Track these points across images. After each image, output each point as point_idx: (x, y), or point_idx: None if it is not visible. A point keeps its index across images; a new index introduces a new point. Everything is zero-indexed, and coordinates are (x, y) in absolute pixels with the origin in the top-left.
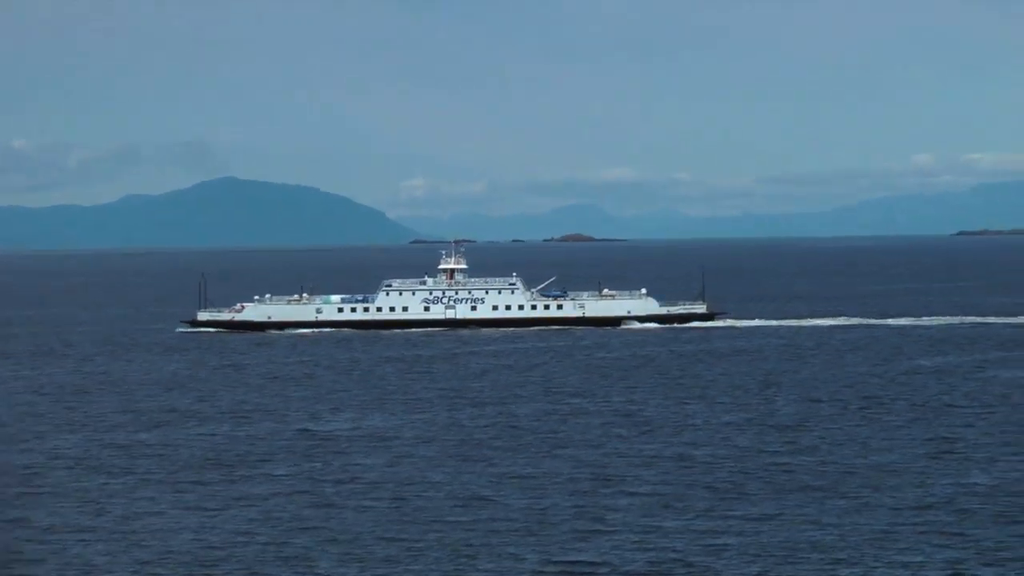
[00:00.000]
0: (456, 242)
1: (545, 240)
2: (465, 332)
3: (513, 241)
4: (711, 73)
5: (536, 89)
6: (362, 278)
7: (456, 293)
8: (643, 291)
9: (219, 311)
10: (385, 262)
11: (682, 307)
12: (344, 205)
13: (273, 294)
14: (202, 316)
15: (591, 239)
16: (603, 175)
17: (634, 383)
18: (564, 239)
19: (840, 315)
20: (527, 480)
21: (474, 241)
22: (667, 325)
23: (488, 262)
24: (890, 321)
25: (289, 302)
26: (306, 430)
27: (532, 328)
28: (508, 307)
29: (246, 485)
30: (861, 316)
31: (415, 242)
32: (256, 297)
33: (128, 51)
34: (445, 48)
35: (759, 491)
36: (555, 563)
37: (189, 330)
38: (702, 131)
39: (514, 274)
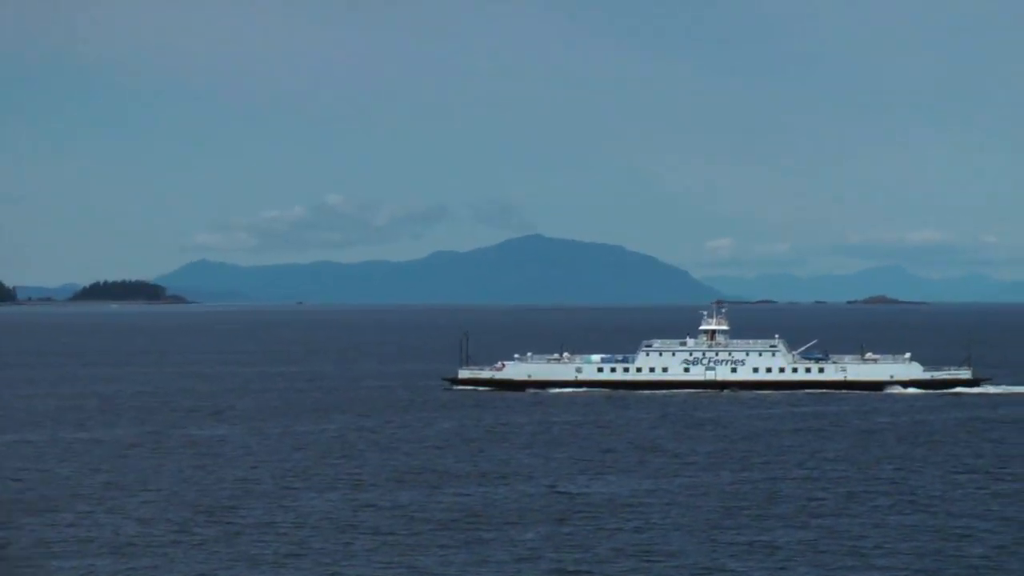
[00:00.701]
0: (718, 303)
1: (849, 302)
2: (726, 393)
3: (816, 303)
4: (1017, 131)
5: (844, 149)
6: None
7: (716, 354)
8: (907, 355)
9: (480, 369)
10: (679, 323)
11: (946, 372)
12: (649, 264)
13: (534, 352)
14: (463, 374)
15: (895, 301)
16: (910, 237)
17: (894, 452)
18: (867, 301)
19: None
20: (772, 551)
21: (775, 302)
22: (930, 391)
23: (784, 324)
24: None
25: (549, 361)
26: (560, 491)
27: (792, 391)
28: (769, 369)
29: (488, 548)
30: None
31: (716, 302)
32: (516, 355)
33: (436, 109)
34: (752, 107)
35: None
36: None
37: (451, 387)
38: (1011, 192)
39: (777, 336)
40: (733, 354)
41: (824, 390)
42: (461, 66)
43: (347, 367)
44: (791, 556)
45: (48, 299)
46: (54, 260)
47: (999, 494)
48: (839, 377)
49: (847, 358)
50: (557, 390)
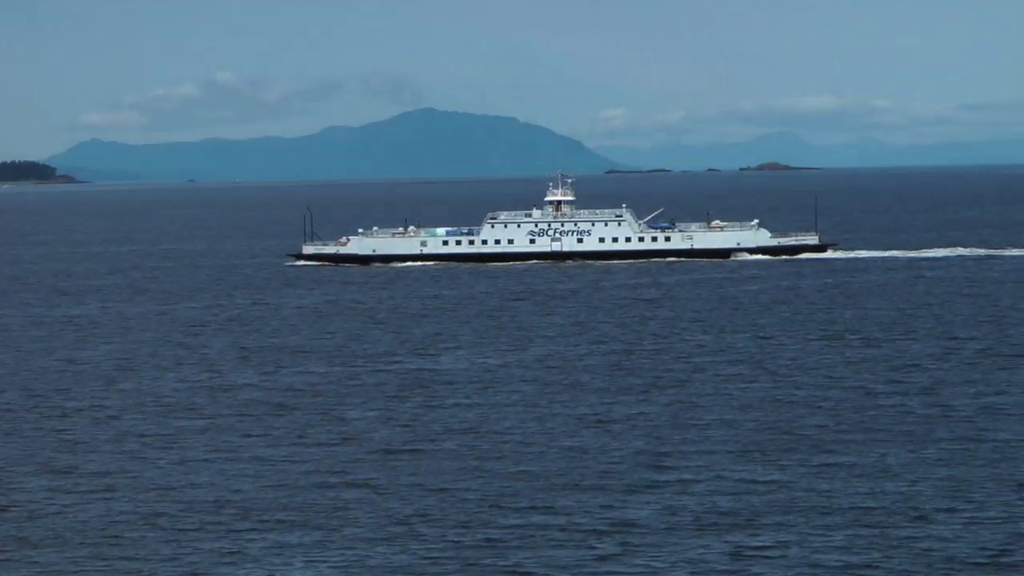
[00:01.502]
0: (563, 174)
1: (741, 169)
2: (570, 264)
3: (708, 170)
4: None
5: (735, 15)
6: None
7: (562, 225)
8: (755, 222)
9: (324, 244)
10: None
11: (793, 238)
12: (542, 135)
13: (379, 227)
14: (307, 250)
15: (788, 167)
16: (802, 103)
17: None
18: (760, 168)
19: (956, 245)
20: (605, 424)
21: (668, 171)
22: (777, 257)
23: (678, 194)
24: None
25: (394, 235)
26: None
27: (638, 260)
28: (615, 239)
29: (316, 429)
30: (978, 246)
31: (610, 172)
32: (360, 230)
33: None
34: None
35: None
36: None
37: (296, 263)
38: (903, 56)
39: (624, 206)
40: (579, 225)
41: (671, 259)
42: None
43: (194, 245)
44: (625, 430)
45: None
46: None
47: (848, 360)
48: (685, 246)
49: (694, 226)
50: (402, 264)
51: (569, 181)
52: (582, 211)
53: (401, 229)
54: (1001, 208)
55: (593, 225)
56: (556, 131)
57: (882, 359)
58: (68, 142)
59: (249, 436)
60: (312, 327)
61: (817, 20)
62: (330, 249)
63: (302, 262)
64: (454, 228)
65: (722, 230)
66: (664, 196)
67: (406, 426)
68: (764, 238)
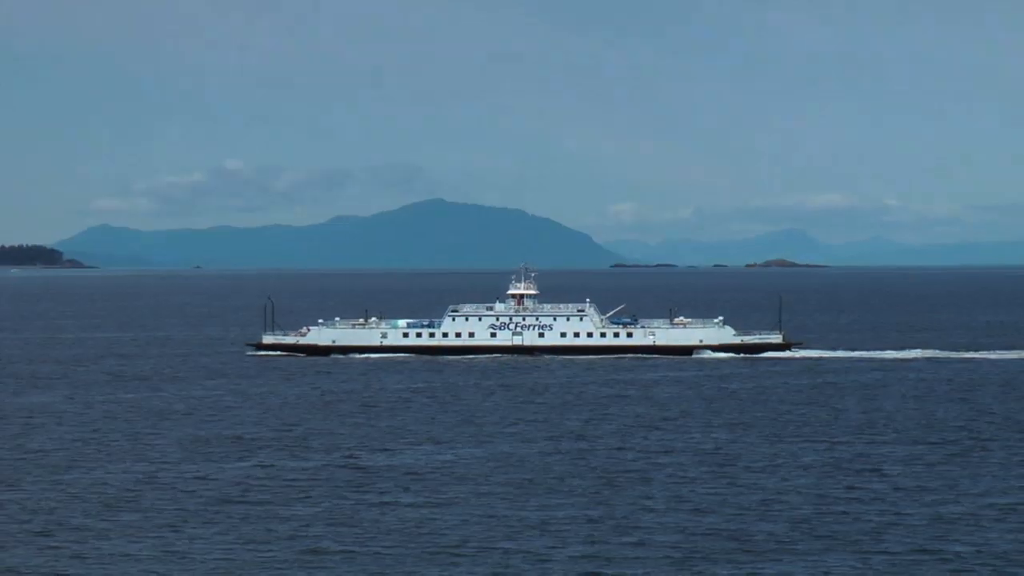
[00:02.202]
0: (526, 267)
1: (747, 265)
2: (529, 359)
3: (715, 266)
4: (921, 96)
5: (746, 115)
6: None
7: (524, 319)
8: (719, 319)
9: (284, 334)
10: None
11: (757, 336)
12: (551, 228)
13: (341, 317)
14: (267, 339)
15: (794, 264)
16: (813, 201)
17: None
18: (767, 264)
19: (929, 347)
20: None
21: (674, 266)
22: (740, 355)
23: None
24: (987, 355)
25: (354, 326)
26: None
27: (600, 356)
28: (577, 334)
29: (252, 526)
30: (950, 349)
31: (616, 266)
32: (320, 320)
33: (337, 76)
34: (651, 78)
35: None
36: None
37: (256, 353)
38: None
39: (588, 300)
40: (540, 319)
41: (633, 355)
42: (364, 32)
43: (167, 331)
44: (568, 532)
45: None
46: None
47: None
48: (648, 342)
49: (656, 322)
50: (362, 356)
51: (532, 275)
52: (544, 305)
53: (361, 320)
54: (976, 310)
55: (555, 320)
56: (565, 224)
57: (843, 462)
58: (79, 227)
59: (178, 531)
60: (263, 418)
61: (829, 120)
62: (290, 339)
63: (262, 352)
64: (415, 320)
65: (684, 327)
66: (661, 289)
67: (344, 525)
68: (727, 335)
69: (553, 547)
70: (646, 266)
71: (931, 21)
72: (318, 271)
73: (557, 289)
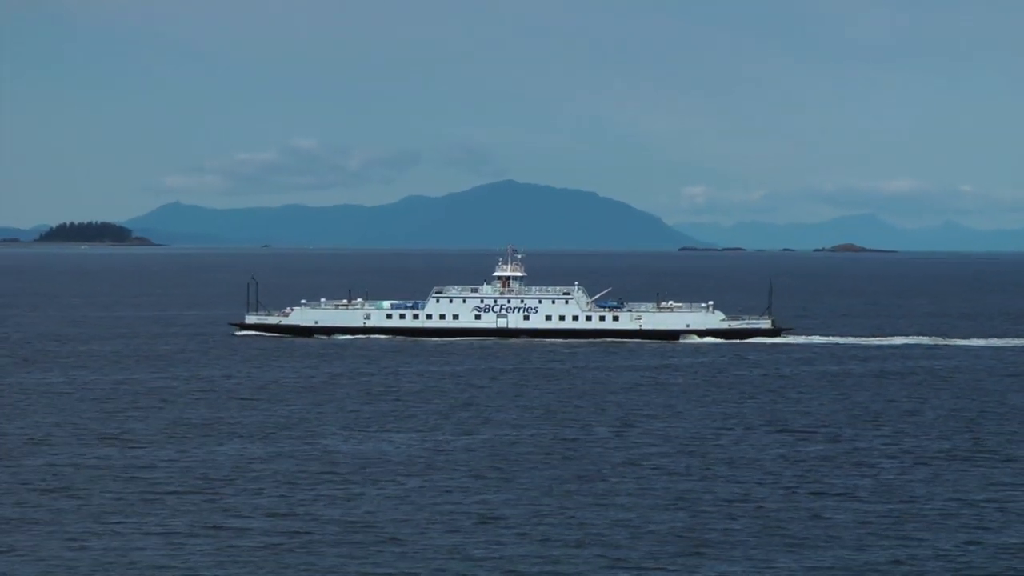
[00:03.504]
0: (512, 248)
1: (816, 250)
2: (516, 342)
3: (783, 250)
4: (999, 80)
5: (819, 97)
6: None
7: (508, 302)
8: (709, 303)
9: (268, 314)
10: (647, 267)
11: (745, 322)
12: (622, 210)
13: (327, 298)
14: (250, 319)
15: (863, 250)
16: (884, 185)
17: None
18: (835, 249)
19: (919, 334)
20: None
21: (744, 250)
22: (728, 340)
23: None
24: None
25: (337, 307)
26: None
27: (585, 340)
28: (562, 317)
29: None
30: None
31: (684, 249)
32: (303, 301)
33: (411, 55)
34: (726, 58)
35: None
36: None
37: (238, 333)
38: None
39: (576, 283)
40: (526, 301)
41: (619, 339)
42: (436, 13)
43: (163, 310)
44: (517, 529)
45: (14, 240)
46: (30, 202)
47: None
48: (634, 326)
49: (642, 306)
50: (345, 336)
51: (519, 256)
52: (532, 287)
53: (345, 301)
54: (987, 297)
55: (540, 303)
56: (636, 207)
57: (816, 455)
58: (151, 205)
59: (102, 522)
60: (227, 403)
61: (903, 102)
62: (272, 319)
63: (244, 332)
64: (399, 301)
65: (671, 311)
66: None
67: (294, 515)
68: (714, 320)
69: (495, 547)
70: (714, 249)
71: (1007, 3)
72: (391, 250)
73: (578, 271)
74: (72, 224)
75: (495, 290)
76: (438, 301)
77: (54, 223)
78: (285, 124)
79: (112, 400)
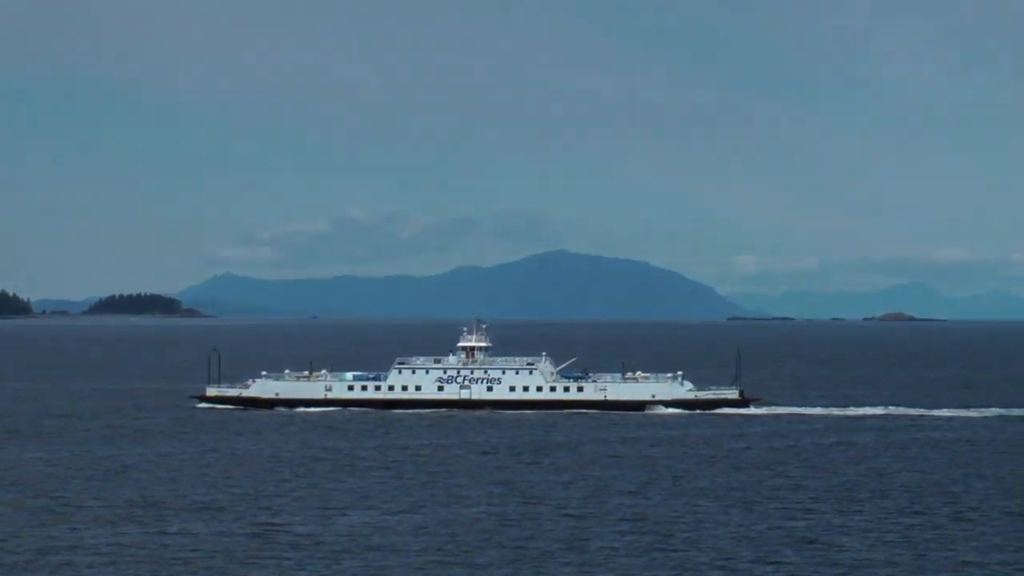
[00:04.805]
0: (477, 319)
1: (865, 319)
2: (480, 413)
3: (832, 319)
4: None
5: (872, 165)
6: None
7: (472, 372)
8: (677, 373)
9: (230, 386)
10: (701, 339)
11: (712, 392)
12: (674, 280)
13: (290, 370)
14: (211, 391)
15: (911, 319)
16: (937, 254)
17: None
18: (883, 318)
19: (890, 404)
20: None
21: (793, 319)
22: (694, 411)
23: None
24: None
25: (299, 378)
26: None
27: (550, 411)
28: (526, 388)
29: None
30: (909, 406)
31: (732, 319)
32: (263, 373)
33: (461, 123)
34: (778, 125)
35: None
36: None
37: (200, 406)
38: None
39: (544, 354)
40: (489, 372)
41: (583, 410)
42: (486, 80)
43: (134, 383)
44: None
45: (64, 312)
46: (81, 274)
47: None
48: (599, 397)
49: (607, 377)
50: (306, 409)
51: (483, 327)
52: (497, 358)
53: (307, 373)
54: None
55: (504, 373)
56: (688, 276)
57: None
58: (204, 276)
59: None
60: (175, 478)
61: (955, 172)
62: (233, 392)
63: (205, 404)
64: (362, 373)
65: (637, 381)
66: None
67: None
68: (680, 391)
69: None
70: (762, 319)
71: None
72: (437, 320)
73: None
74: (121, 296)
75: (459, 361)
76: (400, 372)
77: (105, 295)
78: (338, 193)
79: (85, 474)
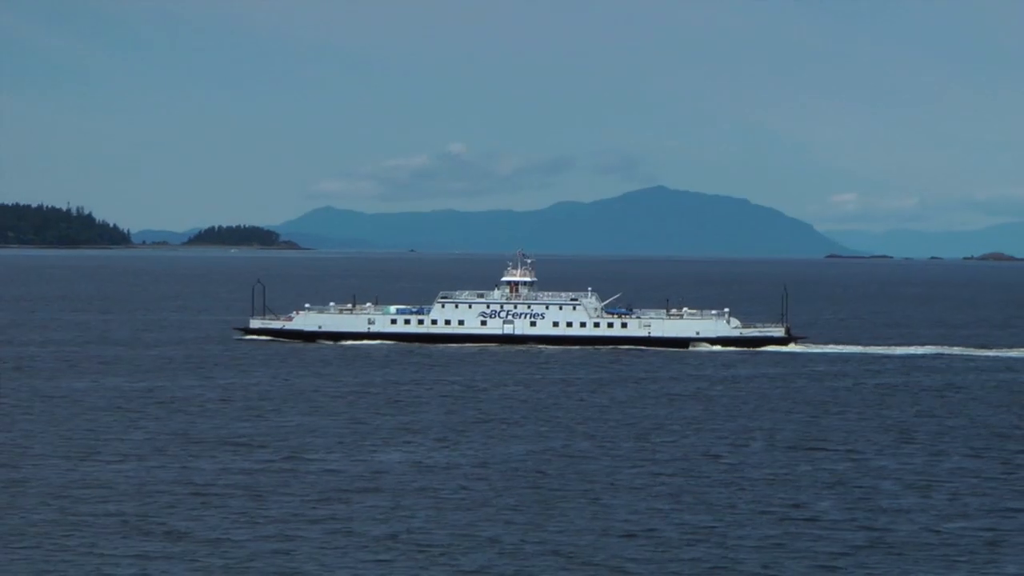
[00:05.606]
0: (522, 253)
1: (965, 258)
2: (521, 348)
3: (931, 259)
4: None
5: (975, 103)
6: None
7: (515, 307)
8: (724, 310)
9: (274, 318)
10: (795, 274)
11: (757, 330)
12: (773, 217)
13: (335, 302)
14: (254, 324)
15: (1012, 259)
16: None
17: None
18: (983, 258)
19: (928, 343)
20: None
21: (891, 257)
22: (739, 348)
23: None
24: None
25: (342, 311)
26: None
27: (593, 347)
28: (569, 324)
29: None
30: (961, 344)
31: (830, 256)
32: (307, 305)
33: (561, 62)
34: (883, 65)
35: None
36: None
37: (243, 337)
38: None
39: (589, 289)
40: (532, 307)
41: (627, 346)
42: (585, 20)
43: (183, 313)
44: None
45: (163, 243)
46: (185, 206)
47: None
48: (643, 333)
49: (651, 313)
50: (349, 342)
51: (528, 261)
52: (541, 293)
53: (350, 305)
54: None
55: (547, 308)
56: (787, 213)
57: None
58: (304, 208)
59: (40, 546)
60: (217, 411)
61: None
62: (276, 324)
63: (249, 337)
64: (405, 306)
65: (681, 318)
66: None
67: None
68: (725, 328)
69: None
70: (861, 257)
71: None
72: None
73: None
74: (221, 227)
75: (503, 295)
76: (443, 306)
77: (205, 227)
78: (438, 130)
79: (127, 406)
